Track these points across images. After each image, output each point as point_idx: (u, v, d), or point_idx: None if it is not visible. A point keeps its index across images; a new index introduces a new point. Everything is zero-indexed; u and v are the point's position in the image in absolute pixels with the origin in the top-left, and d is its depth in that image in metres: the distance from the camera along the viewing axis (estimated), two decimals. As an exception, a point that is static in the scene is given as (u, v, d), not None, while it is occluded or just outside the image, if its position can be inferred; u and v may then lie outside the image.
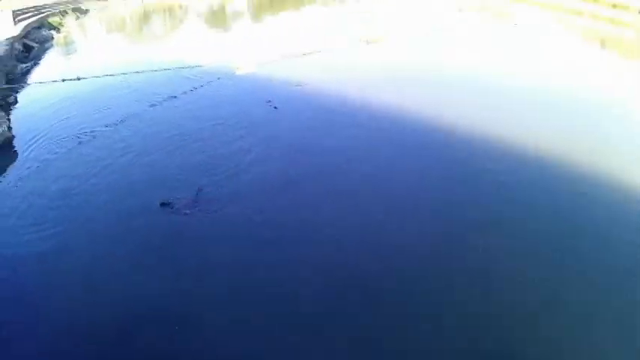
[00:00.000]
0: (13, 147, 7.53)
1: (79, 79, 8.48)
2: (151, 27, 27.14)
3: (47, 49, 20.35)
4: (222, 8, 32.95)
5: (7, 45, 15.23)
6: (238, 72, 9.58)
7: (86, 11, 44.17)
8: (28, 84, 11.83)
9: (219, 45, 14.65)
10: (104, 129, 7.88)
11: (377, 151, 7.83)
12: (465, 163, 7.58)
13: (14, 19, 25.55)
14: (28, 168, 6.75)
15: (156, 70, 9.70)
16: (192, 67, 9.88)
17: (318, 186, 6.78)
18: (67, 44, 21.85)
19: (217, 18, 26.53)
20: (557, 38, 21.19)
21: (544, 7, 27.28)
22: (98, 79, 9.31)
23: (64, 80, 8.65)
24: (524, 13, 25.27)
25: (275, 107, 8.18)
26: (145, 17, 35.07)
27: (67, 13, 37.33)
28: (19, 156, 7.21)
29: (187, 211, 5.77)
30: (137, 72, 9.59)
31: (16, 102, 9.95)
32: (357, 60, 11.56)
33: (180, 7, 39.49)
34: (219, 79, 9.73)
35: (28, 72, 14.22)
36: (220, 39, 16.28)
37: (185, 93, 9.09)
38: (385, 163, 7.53)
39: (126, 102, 8.99)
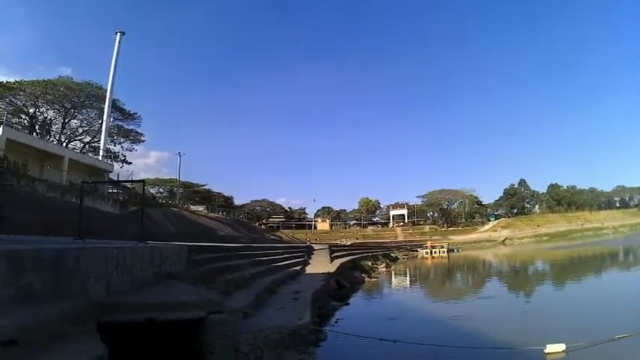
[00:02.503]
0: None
1: (395, 341, 8.65)
2: (454, 282, 26.97)
3: (357, 290, 20.86)
4: (525, 269, 31.39)
5: (323, 280, 15.91)
6: (549, 357, 8.13)
7: (395, 259, 49.13)
8: (338, 323, 12.07)
9: (519, 314, 13.64)
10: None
11: None
12: None
13: (330, 255, 29.11)
14: None
15: (462, 347, 8.79)
16: (496, 347, 8.80)
17: None
18: (376, 290, 22.32)
19: (520, 280, 24.76)
20: None
21: None
22: (408, 344, 9.12)
23: (380, 339, 8.57)
24: None
25: None
26: (449, 270, 34.99)
27: (378, 258, 41.11)
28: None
29: None
30: (444, 345, 8.98)
31: (325, 339, 9.78)
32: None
33: (485, 263, 39.47)
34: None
35: (337, 309, 14.36)
36: (520, 305, 15.27)
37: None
38: None
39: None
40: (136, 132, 46.41)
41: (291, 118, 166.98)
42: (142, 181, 11.88)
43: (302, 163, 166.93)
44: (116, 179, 33.92)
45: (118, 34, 39.26)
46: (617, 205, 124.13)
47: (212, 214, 50.00)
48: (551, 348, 8.39)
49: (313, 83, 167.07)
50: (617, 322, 10.40)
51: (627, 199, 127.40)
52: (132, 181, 22.57)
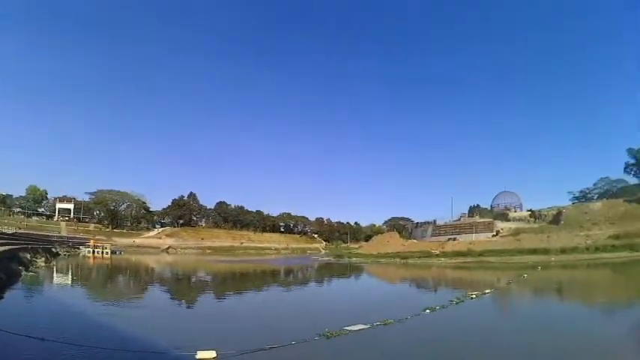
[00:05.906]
0: None
1: (43, 339, 8.72)
2: (115, 284, 27.21)
3: (13, 283, 20.49)
4: (188, 279, 33.88)
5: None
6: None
7: (56, 254, 48.37)
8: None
9: (178, 321, 14.47)
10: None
11: None
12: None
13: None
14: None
15: (111, 349, 9.00)
16: (146, 351, 9.22)
17: None
18: (33, 285, 22.11)
19: (181, 288, 26.42)
20: None
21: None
22: (57, 343, 8.95)
23: (28, 337, 8.74)
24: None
25: None
26: (111, 272, 35.94)
27: (38, 252, 39.37)
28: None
29: None
30: (93, 346, 8.99)
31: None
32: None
33: (147, 269, 42.77)
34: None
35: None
36: (179, 313, 16.57)
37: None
38: None
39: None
40: None
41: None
42: None
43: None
44: None
45: None
46: (282, 229, 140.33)
47: None
48: (201, 354, 8.58)
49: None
50: (270, 333, 11.22)
51: (292, 225, 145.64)
52: None
